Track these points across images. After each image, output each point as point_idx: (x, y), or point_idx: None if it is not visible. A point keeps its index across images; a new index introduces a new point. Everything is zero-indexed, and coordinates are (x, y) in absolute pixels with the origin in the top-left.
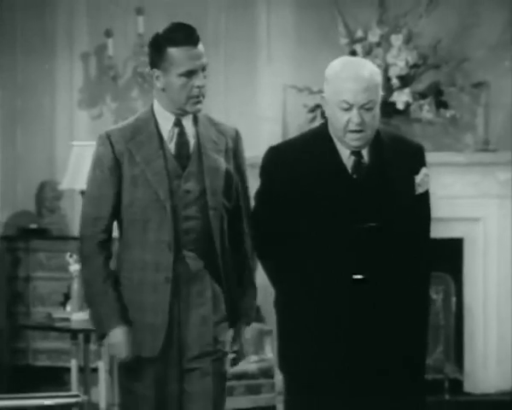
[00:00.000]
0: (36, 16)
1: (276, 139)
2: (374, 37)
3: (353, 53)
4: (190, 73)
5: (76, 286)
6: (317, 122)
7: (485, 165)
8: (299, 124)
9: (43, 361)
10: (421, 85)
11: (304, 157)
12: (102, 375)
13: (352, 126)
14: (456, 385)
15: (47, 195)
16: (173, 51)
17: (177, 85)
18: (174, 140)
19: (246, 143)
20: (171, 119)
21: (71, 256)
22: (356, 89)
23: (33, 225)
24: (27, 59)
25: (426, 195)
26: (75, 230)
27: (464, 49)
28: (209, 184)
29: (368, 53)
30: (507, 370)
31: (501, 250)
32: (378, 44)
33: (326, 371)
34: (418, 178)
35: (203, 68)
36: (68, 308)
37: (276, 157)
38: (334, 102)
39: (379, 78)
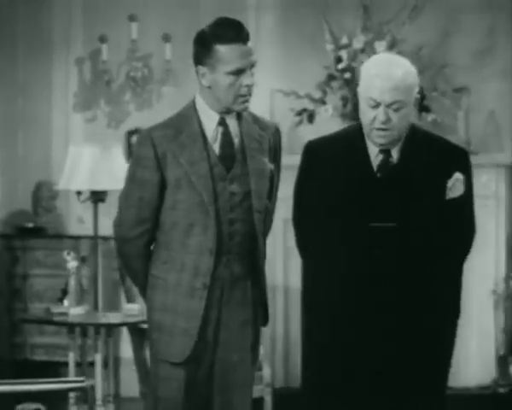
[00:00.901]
0: (33, 23)
1: None
2: (358, 43)
3: (339, 59)
4: (239, 72)
5: (73, 282)
6: (304, 126)
7: (471, 168)
8: (285, 127)
9: (40, 356)
10: None
11: (335, 152)
12: (99, 367)
13: (377, 124)
14: None
15: (43, 194)
16: (221, 48)
17: (225, 84)
18: (218, 140)
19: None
20: (216, 117)
21: (68, 254)
22: (383, 87)
23: (30, 224)
24: (26, 63)
25: (462, 205)
26: (70, 229)
27: (446, 55)
28: (254, 187)
29: (352, 59)
30: (487, 365)
31: (483, 248)
32: (362, 50)
33: (350, 371)
34: (449, 183)
35: (251, 66)
36: (66, 303)
37: (312, 152)
38: (363, 97)
39: (413, 79)
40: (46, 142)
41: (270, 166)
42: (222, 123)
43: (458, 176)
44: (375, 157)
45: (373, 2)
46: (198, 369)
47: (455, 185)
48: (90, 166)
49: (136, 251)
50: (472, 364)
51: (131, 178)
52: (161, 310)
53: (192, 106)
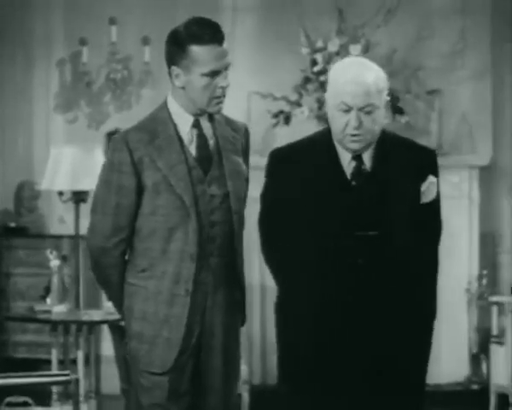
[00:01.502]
0: (15, 25)
1: None
2: (333, 46)
3: (314, 62)
4: (214, 74)
5: (56, 281)
6: (280, 127)
7: (439, 168)
8: (262, 129)
9: (22, 353)
10: None
11: (306, 160)
12: (81, 364)
13: (350, 130)
14: None
15: (25, 195)
16: (197, 49)
17: (200, 85)
18: (194, 142)
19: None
20: (190, 119)
21: (51, 253)
22: (355, 92)
23: (12, 224)
24: (7, 65)
25: (433, 204)
26: (52, 228)
27: (419, 58)
28: (232, 189)
29: (327, 62)
30: (460, 362)
31: (456, 247)
32: (337, 54)
33: (325, 373)
34: (423, 187)
35: (226, 68)
36: (49, 301)
37: (279, 159)
38: (333, 103)
39: (383, 83)
40: (28, 142)
41: (244, 166)
42: (196, 125)
43: (432, 179)
44: (348, 165)
45: (348, 6)
46: (182, 377)
47: (429, 189)
48: (71, 166)
49: (113, 261)
50: (445, 362)
51: (107, 185)
52: (141, 319)
53: (165, 108)
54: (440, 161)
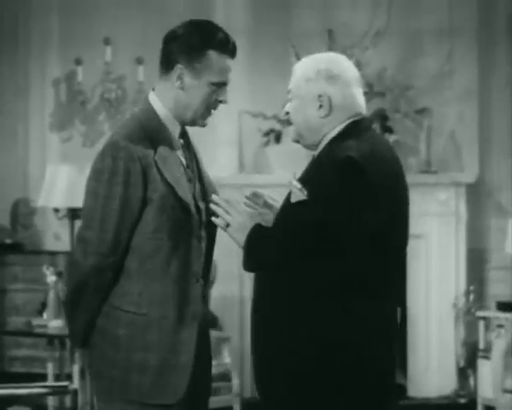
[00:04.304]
0: (11, 45)
1: (233, 162)
2: None
3: None
4: (221, 85)
5: (52, 296)
6: (271, 145)
7: (427, 186)
8: (253, 147)
9: (17, 368)
10: (367, 112)
11: None
12: (76, 377)
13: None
14: (401, 390)
15: (21, 211)
16: (215, 56)
17: (203, 93)
18: (183, 153)
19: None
20: (178, 128)
21: (47, 269)
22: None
23: (8, 240)
24: (3, 84)
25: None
26: (47, 244)
27: (408, 77)
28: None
29: None
30: (447, 376)
31: (441, 263)
32: None
33: None
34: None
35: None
36: (45, 316)
37: None
38: None
39: (301, 72)
40: (23, 160)
41: None
42: (183, 135)
43: (292, 181)
44: None
45: (337, 27)
46: (192, 407)
47: (292, 191)
48: (67, 184)
49: (103, 284)
50: (433, 375)
51: (106, 196)
52: (143, 349)
53: (151, 111)
54: (429, 178)
